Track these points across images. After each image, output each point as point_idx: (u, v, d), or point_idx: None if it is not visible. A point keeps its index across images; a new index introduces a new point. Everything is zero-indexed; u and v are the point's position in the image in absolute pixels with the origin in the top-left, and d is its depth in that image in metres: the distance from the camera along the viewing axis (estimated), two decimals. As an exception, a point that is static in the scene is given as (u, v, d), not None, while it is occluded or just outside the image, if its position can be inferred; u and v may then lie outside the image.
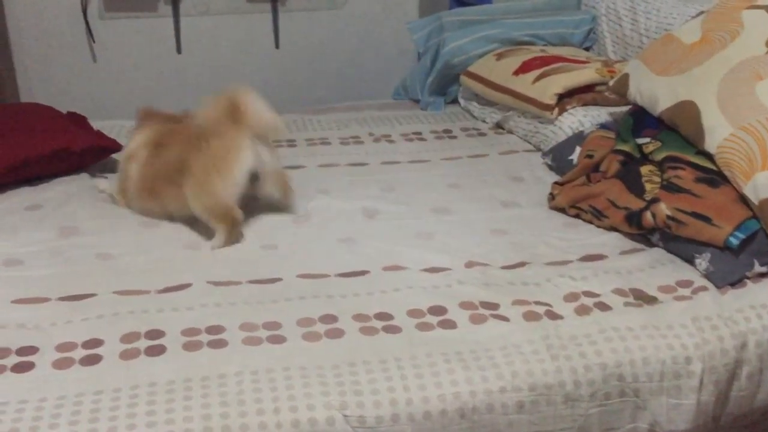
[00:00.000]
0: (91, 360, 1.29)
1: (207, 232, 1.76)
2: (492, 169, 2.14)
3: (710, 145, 1.64)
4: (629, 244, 1.69)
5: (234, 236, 1.72)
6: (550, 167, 2.11)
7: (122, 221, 1.83)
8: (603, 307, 1.45)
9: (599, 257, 1.63)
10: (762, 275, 1.52)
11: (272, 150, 1.83)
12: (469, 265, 1.60)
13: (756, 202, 1.52)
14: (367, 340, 1.35)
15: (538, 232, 1.76)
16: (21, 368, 1.27)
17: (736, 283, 1.51)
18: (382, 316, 1.42)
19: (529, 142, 2.32)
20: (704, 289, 1.50)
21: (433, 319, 1.41)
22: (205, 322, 1.40)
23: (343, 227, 1.78)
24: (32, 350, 1.32)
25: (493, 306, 1.45)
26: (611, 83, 2.07)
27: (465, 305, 1.45)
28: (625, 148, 1.87)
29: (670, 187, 1.65)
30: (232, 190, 1.72)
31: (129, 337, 1.35)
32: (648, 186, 1.73)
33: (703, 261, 1.54)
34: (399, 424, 1.22)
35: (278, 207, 1.87)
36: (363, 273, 1.58)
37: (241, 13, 3.13)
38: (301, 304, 1.46)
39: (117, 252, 1.67)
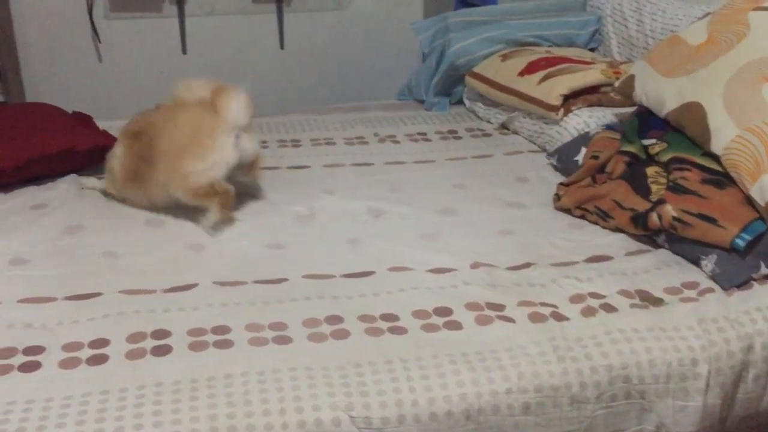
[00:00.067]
0: (98, 360, 1.30)
1: (211, 232, 1.77)
2: (497, 169, 2.14)
3: (716, 146, 1.63)
4: (635, 245, 1.69)
5: (227, 210, 1.74)
6: (556, 168, 2.11)
7: (127, 220, 1.83)
8: (609, 308, 1.44)
9: (605, 258, 1.63)
10: (768, 277, 1.52)
11: (248, 131, 1.85)
12: (475, 265, 1.60)
13: (762, 204, 1.52)
14: (373, 341, 1.35)
15: (543, 232, 1.75)
16: (28, 368, 1.27)
17: (743, 284, 1.50)
18: (387, 317, 1.42)
19: (534, 143, 2.32)
20: (710, 290, 1.50)
21: (439, 320, 1.41)
22: (211, 323, 1.40)
23: (348, 227, 1.79)
24: (39, 350, 1.32)
25: (499, 307, 1.45)
26: (617, 84, 2.07)
27: (471, 306, 1.45)
28: (631, 149, 1.86)
29: (676, 189, 1.64)
30: (212, 166, 1.74)
31: (135, 337, 1.35)
32: (654, 187, 1.72)
33: (709, 263, 1.54)
34: (405, 425, 1.22)
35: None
36: (368, 274, 1.58)
37: (246, 13, 3.14)
38: (307, 304, 1.46)
39: (122, 251, 1.68)
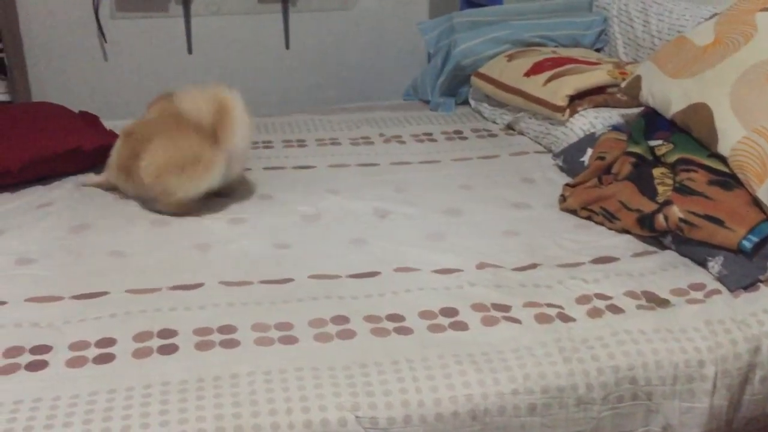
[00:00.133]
0: (105, 359, 1.30)
1: (217, 232, 1.77)
2: (503, 170, 2.13)
3: (723, 147, 1.63)
4: (641, 246, 1.69)
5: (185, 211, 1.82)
6: (561, 169, 2.10)
7: (133, 220, 1.83)
8: (615, 309, 1.44)
9: (611, 259, 1.63)
10: (775, 279, 1.51)
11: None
12: (481, 266, 1.60)
13: (770, 205, 1.52)
14: (379, 342, 1.35)
15: (549, 233, 1.75)
16: (35, 366, 1.28)
17: (750, 286, 1.50)
18: (393, 317, 1.42)
19: (540, 144, 2.32)
20: (717, 292, 1.49)
21: (445, 321, 1.41)
22: (217, 322, 1.40)
23: (353, 228, 1.79)
24: (46, 349, 1.32)
25: (505, 308, 1.45)
26: (623, 85, 2.06)
27: (476, 307, 1.45)
28: (637, 150, 1.86)
29: (682, 190, 1.64)
30: (200, 190, 1.81)
31: (142, 336, 1.36)
32: (660, 188, 1.72)
33: (716, 264, 1.54)
34: (411, 425, 1.22)
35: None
36: (374, 274, 1.58)
37: (251, 13, 3.14)
38: (313, 304, 1.46)
39: (129, 251, 1.68)
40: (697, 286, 1.52)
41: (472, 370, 1.28)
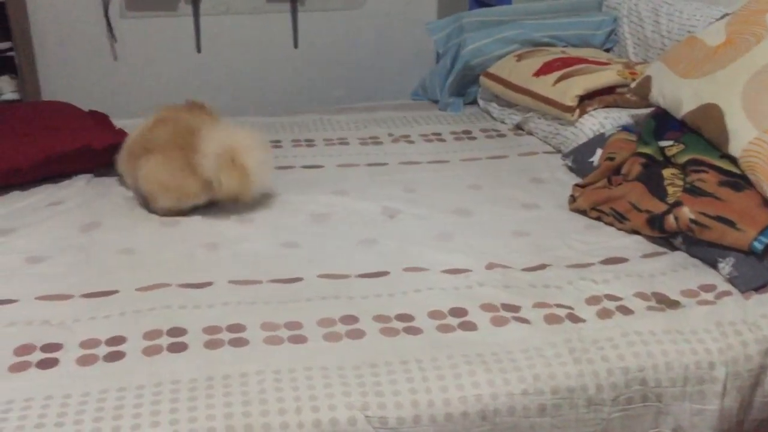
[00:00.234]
0: (115, 357, 1.30)
1: (226, 232, 1.77)
2: (512, 170, 2.13)
3: (734, 148, 1.62)
4: (651, 247, 1.68)
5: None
6: (571, 169, 2.10)
7: (143, 218, 1.84)
8: (625, 310, 1.44)
9: (621, 260, 1.63)
10: (787, 280, 1.51)
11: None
12: (490, 266, 1.60)
13: (781, 207, 1.51)
14: (388, 341, 1.35)
15: (558, 234, 1.75)
16: (46, 364, 1.28)
17: (761, 288, 1.49)
18: (402, 317, 1.42)
19: (549, 144, 2.31)
20: (728, 293, 1.49)
21: (454, 321, 1.41)
22: (226, 321, 1.40)
23: (362, 227, 1.79)
24: (57, 347, 1.33)
25: (515, 308, 1.45)
26: (633, 85, 2.06)
27: (486, 307, 1.45)
28: (647, 150, 1.85)
29: (693, 191, 1.63)
30: (176, 208, 1.84)
31: (151, 335, 1.36)
32: (670, 189, 1.71)
33: (726, 265, 1.53)
34: (420, 425, 1.22)
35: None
36: (383, 274, 1.58)
37: (260, 12, 3.15)
38: (322, 304, 1.46)
39: (138, 249, 1.69)
40: (708, 288, 1.52)
41: (481, 371, 1.28)
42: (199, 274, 1.57)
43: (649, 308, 1.45)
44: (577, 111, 2.21)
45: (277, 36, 3.20)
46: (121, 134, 2.11)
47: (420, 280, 1.55)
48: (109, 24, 2.99)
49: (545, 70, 2.35)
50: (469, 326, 1.40)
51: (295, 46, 3.23)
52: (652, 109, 1.98)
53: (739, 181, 1.61)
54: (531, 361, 1.31)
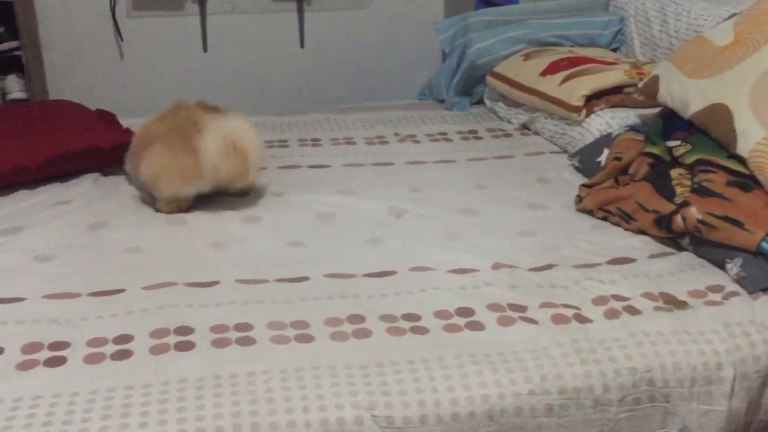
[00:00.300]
0: (122, 355, 1.31)
1: (232, 231, 1.78)
2: (518, 170, 2.13)
3: (742, 148, 1.62)
4: (658, 247, 1.68)
5: (178, 210, 1.86)
6: (577, 169, 2.10)
7: (150, 217, 1.84)
8: (632, 311, 1.43)
9: (628, 260, 1.62)
10: (795, 281, 1.50)
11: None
12: (497, 266, 1.60)
13: (789, 207, 1.51)
14: (395, 341, 1.35)
15: (565, 234, 1.75)
16: (53, 363, 1.29)
17: (768, 288, 1.49)
18: (409, 316, 1.42)
19: (556, 144, 2.31)
20: (735, 294, 1.48)
21: (461, 321, 1.41)
22: (233, 320, 1.41)
23: (369, 227, 1.79)
24: (64, 345, 1.33)
25: (521, 308, 1.45)
26: (640, 85, 2.05)
27: (492, 307, 1.45)
28: (655, 150, 1.85)
29: (701, 191, 1.63)
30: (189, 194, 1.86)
31: (158, 333, 1.36)
32: (678, 189, 1.71)
33: (734, 266, 1.53)
34: (427, 425, 1.22)
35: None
36: (390, 273, 1.58)
37: (266, 12, 3.15)
38: (329, 303, 1.46)
39: (145, 248, 1.69)
40: (715, 288, 1.51)
41: (488, 371, 1.28)
42: (206, 273, 1.57)
43: (657, 309, 1.44)
44: (584, 111, 2.20)
45: (284, 35, 3.20)
46: (129, 133, 2.11)
47: (426, 280, 1.55)
48: (115, 23, 2.99)
49: (552, 69, 2.35)
50: (476, 326, 1.40)
51: (302, 45, 3.23)
52: (659, 109, 1.97)
53: (747, 181, 1.60)
54: (538, 362, 1.30)
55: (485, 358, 1.31)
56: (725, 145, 1.67)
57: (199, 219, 1.84)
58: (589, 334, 1.37)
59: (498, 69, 2.56)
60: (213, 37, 3.13)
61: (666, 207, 1.67)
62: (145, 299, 1.47)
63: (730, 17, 1.92)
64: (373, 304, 1.46)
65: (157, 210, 1.86)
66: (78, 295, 1.50)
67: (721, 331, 1.38)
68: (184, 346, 1.33)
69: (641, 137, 1.95)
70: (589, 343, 1.34)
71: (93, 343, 1.34)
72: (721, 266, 1.56)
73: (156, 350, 1.32)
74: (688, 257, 1.63)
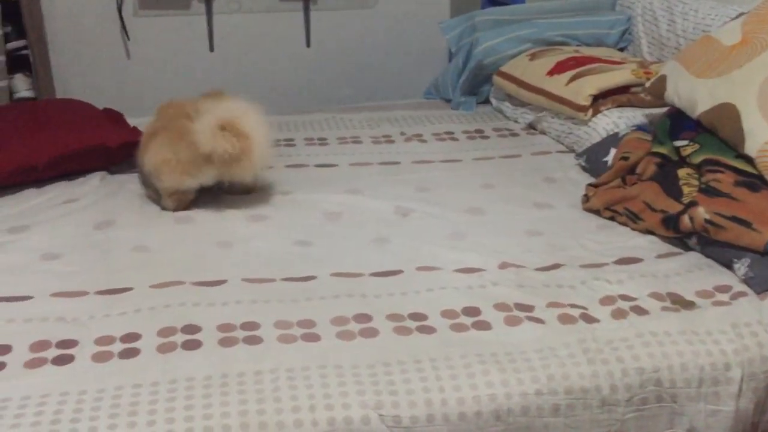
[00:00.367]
0: (130, 353, 1.31)
1: (239, 230, 1.78)
2: (525, 169, 2.12)
3: (750, 148, 1.61)
4: (665, 247, 1.67)
5: (181, 205, 1.86)
6: (584, 168, 2.09)
7: (157, 216, 1.85)
8: (640, 311, 1.43)
9: (635, 260, 1.62)
10: (803, 282, 1.49)
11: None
12: (503, 266, 1.60)
13: (798, 207, 1.50)
14: (402, 340, 1.35)
15: (572, 234, 1.74)
16: (61, 361, 1.29)
17: (776, 289, 1.48)
18: (416, 316, 1.42)
19: (563, 143, 2.31)
20: (743, 294, 1.48)
21: (468, 320, 1.41)
22: (240, 319, 1.41)
23: (375, 226, 1.79)
24: (72, 343, 1.34)
25: (528, 308, 1.44)
26: (648, 84, 2.05)
27: (499, 306, 1.45)
28: (662, 150, 1.85)
29: (708, 191, 1.62)
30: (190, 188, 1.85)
31: (166, 332, 1.37)
32: (685, 189, 1.70)
33: (742, 266, 1.52)
34: (434, 424, 1.22)
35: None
36: (396, 273, 1.58)
37: (273, 11, 3.15)
38: (336, 302, 1.46)
39: (153, 246, 1.69)
40: (723, 288, 1.51)
41: (495, 370, 1.28)
42: (213, 272, 1.57)
43: (664, 309, 1.44)
44: (591, 110, 2.20)
45: (290, 35, 3.20)
46: (136, 132, 2.12)
47: (433, 279, 1.55)
48: (122, 22, 3.00)
49: (558, 69, 2.35)
50: (483, 326, 1.39)
51: (308, 45, 3.23)
52: (666, 108, 1.97)
53: (755, 181, 1.60)
54: (545, 361, 1.30)
55: (492, 358, 1.31)
56: (733, 145, 1.66)
57: (205, 218, 1.84)
58: (596, 334, 1.37)
59: (504, 68, 2.55)
60: (219, 36, 3.13)
61: (673, 207, 1.67)
62: (152, 298, 1.48)
63: (737, 17, 1.92)
64: (379, 304, 1.46)
65: (163, 208, 1.86)
66: (85, 293, 1.50)
67: (729, 331, 1.38)
68: (192, 345, 1.33)
69: (648, 137, 1.94)
70: (596, 343, 1.34)
71: (101, 341, 1.34)
72: (729, 266, 1.56)
73: (163, 349, 1.32)
74: (695, 257, 1.62)
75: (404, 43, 3.30)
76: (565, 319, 1.41)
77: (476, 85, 2.70)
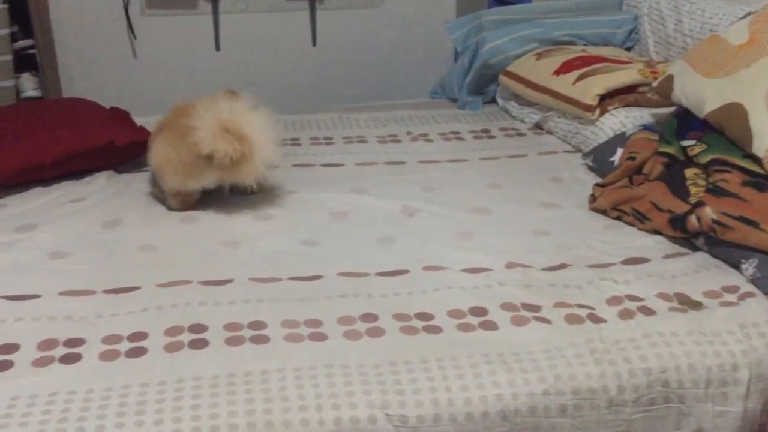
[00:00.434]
0: (137, 352, 1.31)
1: (245, 229, 1.78)
2: (531, 169, 2.12)
3: (758, 148, 1.61)
4: (672, 247, 1.67)
5: (186, 206, 1.86)
6: (591, 168, 2.09)
7: (164, 216, 1.85)
8: (647, 311, 1.43)
9: (642, 260, 1.61)
10: (811, 282, 1.49)
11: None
12: (510, 266, 1.60)
13: (806, 208, 1.49)
14: (408, 340, 1.35)
15: (578, 233, 1.74)
16: (69, 359, 1.29)
17: (785, 289, 1.48)
18: (422, 316, 1.42)
19: (569, 143, 2.30)
20: (751, 295, 1.47)
21: (474, 320, 1.41)
22: (247, 318, 1.41)
23: (381, 226, 1.79)
24: (79, 342, 1.34)
25: (535, 308, 1.44)
26: (655, 84, 2.04)
27: (506, 306, 1.45)
28: (669, 150, 1.84)
29: (716, 191, 1.62)
30: (185, 188, 1.84)
31: (173, 331, 1.37)
32: (693, 189, 1.70)
33: (749, 266, 1.52)
34: (441, 424, 1.22)
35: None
36: (403, 272, 1.57)
37: (279, 11, 3.15)
38: (342, 302, 1.46)
39: (159, 246, 1.70)
40: (731, 289, 1.50)
41: (502, 370, 1.28)
42: (219, 271, 1.57)
43: (672, 309, 1.44)
44: (598, 110, 2.19)
45: (296, 34, 3.20)
46: (142, 131, 2.12)
47: (439, 279, 1.55)
48: (129, 22, 3.00)
49: (565, 68, 2.34)
50: (490, 326, 1.39)
51: (314, 44, 3.23)
52: (673, 108, 1.96)
53: (762, 181, 1.59)
54: (552, 362, 1.30)
55: (499, 358, 1.30)
56: (740, 144, 1.66)
57: (212, 217, 1.84)
58: (603, 334, 1.36)
59: (511, 68, 2.55)
60: (225, 35, 3.14)
61: (680, 207, 1.66)
62: (159, 297, 1.48)
63: (745, 16, 1.91)
64: (386, 303, 1.46)
65: (169, 208, 1.87)
66: (93, 292, 1.50)
67: (737, 331, 1.37)
68: (198, 344, 1.33)
69: (655, 137, 1.94)
70: (603, 344, 1.34)
71: (108, 340, 1.35)
72: (736, 267, 1.55)
73: (170, 348, 1.32)
74: (702, 257, 1.62)
75: (410, 42, 3.29)
76: (572, 319, 1.41)
77: (482, 84, 2.70)
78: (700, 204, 1.61)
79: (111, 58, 3.06)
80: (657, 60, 2.45)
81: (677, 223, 1.65)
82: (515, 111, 2.55)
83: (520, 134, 2.41)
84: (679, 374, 1.31)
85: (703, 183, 1.70)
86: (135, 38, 3.04)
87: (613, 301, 1.46)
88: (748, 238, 1.52)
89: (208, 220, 1.83)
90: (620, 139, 2.04)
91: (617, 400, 1.28)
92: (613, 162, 1.98)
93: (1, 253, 1.66)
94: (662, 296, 1.47)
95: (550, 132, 2.39)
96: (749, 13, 1.91)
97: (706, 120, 1.77)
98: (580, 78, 2.27)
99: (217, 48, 3.14)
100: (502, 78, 2.58)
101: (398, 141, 2.33)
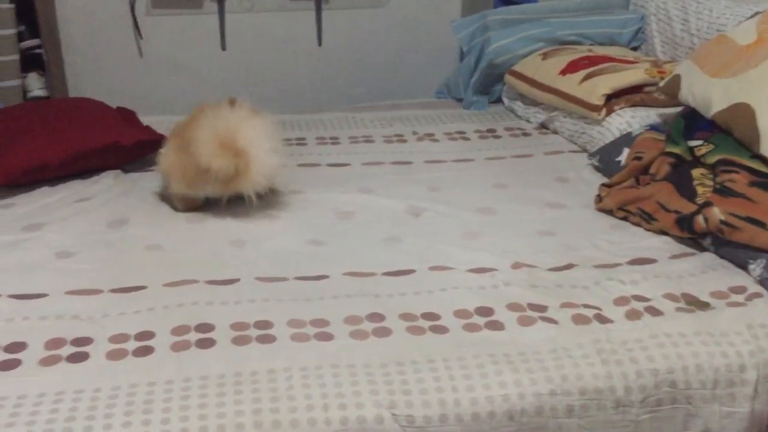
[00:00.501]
0: (144, 351, 1.32)
1: (252, 229, 1.78)
2: (537, 169, 2.12)
3: (766, 148, 1.60)
4: (679, 248, 1.66)
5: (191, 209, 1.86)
6: (597, 168, 2.08)
7: (170, 215, 1.85)
8: (654, 311, 1.42)
9: (649, 261, 1.61)
10: (818, 283, 1.48)
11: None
12: (516, 266, 1.59)
13: (814, 208, 1.49)
14: (415, 340, 1.35)
15: (585, 234, 1.74)
16: (76, 358, 1.30)
17: (792, 290, 1.47)
18: (429, 316, 1.42)
19: (575, 143, 2.30)
20: (758, 295, 1.47)
21: (481, 320, 1.41)
22: (253, 317, 1.41)
23: (388, 226, 1.79)
24: (87, 341, 1.34)
25: (541, 308, 1.44)
26: (662, 84, 2.04)
27: (512, 307, 1.44)
28: (676, 150, 1.84)
29: (723, 191, 1.61)
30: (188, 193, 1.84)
31: (179, 330, 1.37)
32: (700, 189, 1.70)
33: (757, 267, 1.51)
34: (447, 424, 1.22)
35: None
36: (409, 272, 1.57)
37: (285, 10, 3.16)
38: (348, 302, 1.46)
39: (166, 245, 1.70)
40: (738, 289, 1.50)
41: (508, 370, 1.27)
42: (226, 271, 1.57)
43: (679, 309, 1.43)
44: (604, 110, 2.19)
45: (302, 34, 3.20)
46: (149, 131, 2.13)
47: (446, 279, 1.55)
48: (135, 21, 3.01)
49: (571, 68, 2.34)
50: (496, 326, 1.39)
51: (319, 44, 3.23)
52: (680, 108, 1.96)
53: (770, 181, 1.59)
54: (558, 362, 1.30)
55: (505, 358, 1.30)
56: (748, 144, 1.65)
57: (218, 217, 1.84)
58: (610, 334, 1.36)
59: (517, 68, 2.55)
60: (231, 35, 3.14)
61: (687, 207, 1.66)
62: (166, 296, 1.48)
63: (752, 16, 1.91)
64: (392, 303, 1.46)
65: (175, 209, 1.87)
66: (100, 291, 1.51)
67: (744, 332, 1.37)
68: (205, 344, 1.33)
69: (662, 137, 1.93)
70: (610, 344, 1.34)
71: (115, 339, 1.35)
72: (744, 267, 1.55)
73: (177, 347, 1.33)
74: (709, 258, 1.61)
75: (416, 42, 3.29)
76: (578, 319, 1.41)
77: (488, 84, 2.70)
78: (707, 204, 1.60)
79: (117, 57, 3.06)
80: (664, 60, 2.44)
81: (684, 223, 1.64)
82: (521, 111, 2.54)
83: (526, 134, 2.41)
84: (687, 375, 1.31)
85: (710, 183, 1.69)
86: (141, 38, 3.05)
87: (620, 301, 1.46)
88: (756, 239, 1.52)
89: (215, 219, 1.83)
90: (627, 139, 2.04)
91: (624, 400, 1.28)
92: (619, 162, 1.98)
93: (9, 252, 1.66)
94: (669, 297, 1.47)
95: (555, 132, 2.39)
96: (757, 13, 1.91)
97: (714, 120, 1.76)
98: (586, 78, 2.26)
99: (223, 47, 3.15)
100: (508, 78, 2.57)
101: (404, 141, 2.33)
